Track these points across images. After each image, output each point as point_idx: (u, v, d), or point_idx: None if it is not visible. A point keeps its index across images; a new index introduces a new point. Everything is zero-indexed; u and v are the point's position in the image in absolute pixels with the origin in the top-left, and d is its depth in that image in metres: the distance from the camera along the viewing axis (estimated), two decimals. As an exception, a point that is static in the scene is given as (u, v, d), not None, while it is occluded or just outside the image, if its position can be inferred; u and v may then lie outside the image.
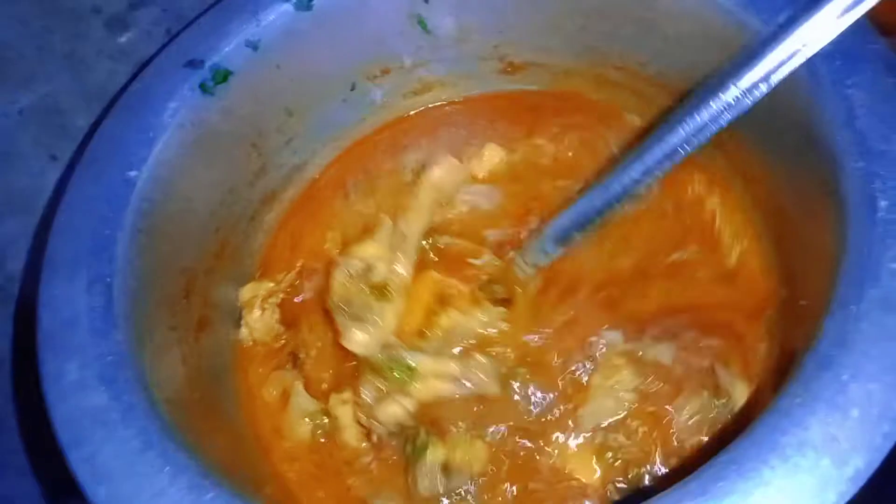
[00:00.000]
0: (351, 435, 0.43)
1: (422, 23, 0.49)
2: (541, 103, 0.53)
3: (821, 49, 0.33)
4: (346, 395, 0.44)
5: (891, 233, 0.29)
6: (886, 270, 0.28)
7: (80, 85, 0.50)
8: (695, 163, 0.48)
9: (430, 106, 0.55)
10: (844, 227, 0.31)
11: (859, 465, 0.25)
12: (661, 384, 0.40)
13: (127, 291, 0.37)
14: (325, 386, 0.45)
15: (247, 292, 0.46)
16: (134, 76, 0.47)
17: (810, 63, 0.35)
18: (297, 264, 0.49)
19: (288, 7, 0.46)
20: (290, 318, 0.47)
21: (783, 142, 0.38)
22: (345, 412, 0.44)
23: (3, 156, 0.48)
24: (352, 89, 0.51)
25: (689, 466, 0.29)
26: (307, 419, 0.44)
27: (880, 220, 0.30)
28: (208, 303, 0.45)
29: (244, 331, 0.46)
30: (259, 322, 0.46)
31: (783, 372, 0.36)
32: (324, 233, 0.50)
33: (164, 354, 0.39)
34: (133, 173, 0.41)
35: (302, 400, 0.44)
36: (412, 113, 0.55)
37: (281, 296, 0.47)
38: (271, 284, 0.47)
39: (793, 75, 0.35)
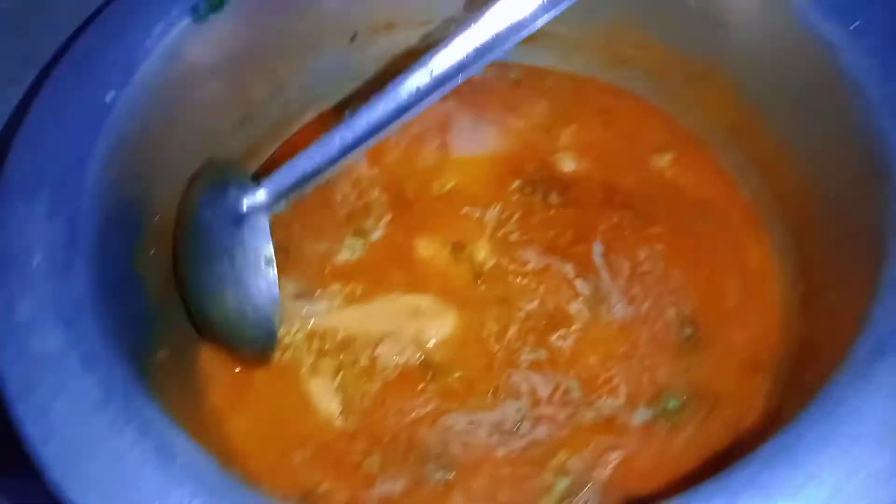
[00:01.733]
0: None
1: (441, -29, 0.46)
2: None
3: (871, 30, 0.31)
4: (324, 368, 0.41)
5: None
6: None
7: (48, 3, 0.45)
8: (708, 155, 0.46)
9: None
10: (892, 214, 0.29)
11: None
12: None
13: (92, 227, 0.33)
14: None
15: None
16: (111, -2, 0.43)
17: (857, 45, 0.33)
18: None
19: (292, -63, 0.42)
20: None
21: (819, 129, 0.36)
22: (318, 388, 0.40)
23: (-47, 72, 0.42)
24: (351, 40, 0.48)
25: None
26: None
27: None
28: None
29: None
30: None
31: (803, 364, 0.34)
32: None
33: (128, 304, 0.34)
34: (109, 97, 0.36)
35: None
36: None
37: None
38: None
39: (837, 57, 0.34)
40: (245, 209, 0.36)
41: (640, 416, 0.37)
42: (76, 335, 0.28)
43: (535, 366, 0.40)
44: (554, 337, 0.41)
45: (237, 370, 0.40)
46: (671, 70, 0.46)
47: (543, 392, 0.39)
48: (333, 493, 0.36)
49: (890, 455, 0.23)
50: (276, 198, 0.37)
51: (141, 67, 0.38)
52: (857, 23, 0.33)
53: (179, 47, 0.39)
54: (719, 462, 0.27)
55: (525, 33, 0.32)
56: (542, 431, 0.38)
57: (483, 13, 0.32)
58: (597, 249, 0.43)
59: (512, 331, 0.41)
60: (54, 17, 0.44)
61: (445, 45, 0.32)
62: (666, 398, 0.38)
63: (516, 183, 0.46)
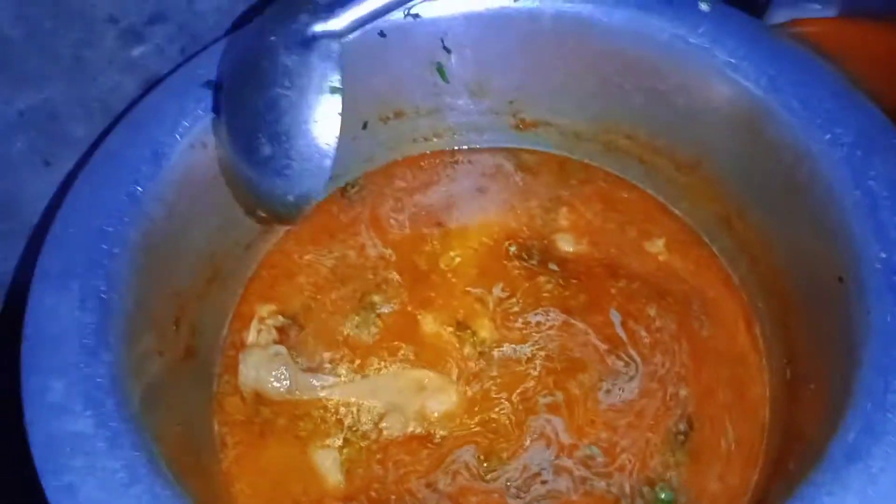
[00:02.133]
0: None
1: (441, 71, 0.50)
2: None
3: (842, 140, 0.34)
4: (331, 440, 0.42)
5: (917, 325, 0.29)
6: (913, 362, 0.29)
7: (83, 94, 0.48)
8: (699, 242, 0.48)
9: (436, 151, 0.54)
10: (865, 316, 0.31)
11: (890, 562, 0.24)
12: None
13: (120, 310, 0.35)
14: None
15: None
16: (145, 91, 0.46)
17: (831, 154, 0.36)
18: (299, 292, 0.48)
19: (311, 40, 0.45)
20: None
21: (797, 226, 0.39)
22: (325, 459, 0.42)
23: (-6, 155, 0.45)
24: (363, 128, 0.51)
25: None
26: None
27: (905, 311, 0.30)
28: (196, 331, 0.43)
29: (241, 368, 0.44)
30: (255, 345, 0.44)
31: (786, 454, 0.36)
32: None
33: (150, 381, 0.36)
34: (138, 189, 0.39)
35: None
36: (416, 155, 0.54)
37: (281, 319, 0.46)
38: (272, 306, 0.46)
39: (812, 163, 0.37)
40: (316, 33, 0.35)
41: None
42: (103, 418, 0.30)
43: (554, 409, 0.42)
44: (571, 383, 0.43)
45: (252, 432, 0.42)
46: (662, 161, 0.49)
47: (565, 439, 0.41)
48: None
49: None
50: (350, 26, 0.35)
51: (168, 161, 0.41)
52: (830, 135, 0.36)
53: (204, 140, 0.42)
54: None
55: None
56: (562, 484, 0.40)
57: None
58: (615, 317, 0.45)
59: (524, 385, 0.43)
60: (89, 106, 0.48)
61: None
62: (660, 489, 0.40)
63: (513, 249, 0.49)
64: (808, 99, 0.38)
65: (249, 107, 0.36)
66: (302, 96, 0.34)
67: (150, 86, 0.46)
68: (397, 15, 0.46)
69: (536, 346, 0.44)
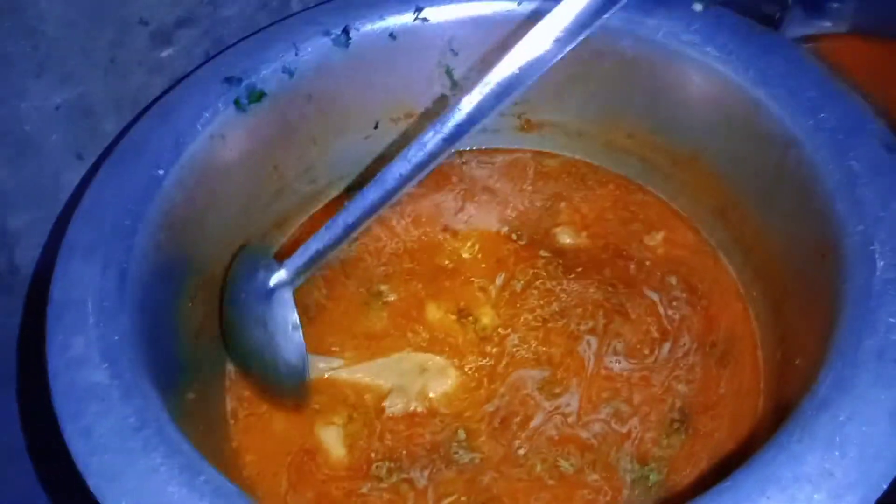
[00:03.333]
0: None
1: (449, 73, 0.52)
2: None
3: (825, 126, 0.36)
4: (336, 417, 0.44)
5: (888, 290, 0.31)
6: (884, 324, 0.30)
7: (115, 91, 0.51)
8: (697, 236, 0.50)
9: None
10: (843, 287, 0.32)
11: (853, 502, 0.25)
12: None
13: (139, 281, 0.38)
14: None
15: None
16: (169, 88, 0.49)
17: (814, 138, 0.38)
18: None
19: (326, 41, 0.48)
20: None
21: (786, 213, 0.40)
22: (329, 435, 0.44)
23: (31, 148, 0.48)
24: (375, 128, 0.54)
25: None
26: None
27: (878, 278, 0.31)
28: (210, 313, 0.45)
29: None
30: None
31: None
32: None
33: (165, 348, 0.39)
34: (160, 172, 0.42)
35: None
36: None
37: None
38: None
39: (798, 149, 0.38)
40: (272, 286, 0.43)
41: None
42: (118, 371, 0.32)
43: (593, 332, 0.46)
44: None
45: (262, 409, 0.45)
46: (661, 157, 0.50)
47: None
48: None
49: (825, 495, 0.26)
50: (296, 275, 0.43)
51: (189, 148, 0.43)
52: (814, 120, 0.38)
53: (223, 132, 0.45)
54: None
55: (478, 124, 0.40)
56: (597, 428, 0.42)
57: (449, 113, 0.39)
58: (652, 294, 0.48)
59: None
60: (119, 103, 0.51)
61: (418, 141, 0.39)
62: (649, 469, 0.41)
63: (521, 242, 0.51)
64: (794, 89, 0.39)
65: (241, 345, 0.45)
66: (274, 338, 0.42)
67: (175, 83, 0.49)
68: (407, 18, 0.50)
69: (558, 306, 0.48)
